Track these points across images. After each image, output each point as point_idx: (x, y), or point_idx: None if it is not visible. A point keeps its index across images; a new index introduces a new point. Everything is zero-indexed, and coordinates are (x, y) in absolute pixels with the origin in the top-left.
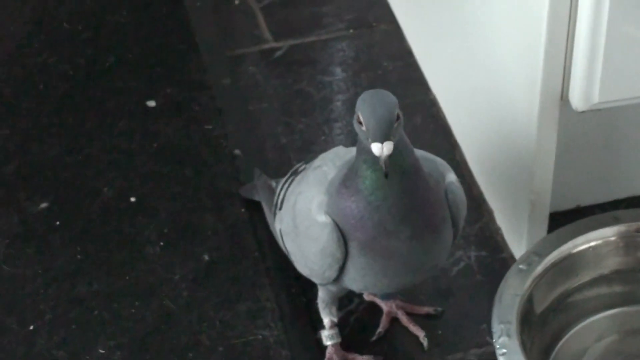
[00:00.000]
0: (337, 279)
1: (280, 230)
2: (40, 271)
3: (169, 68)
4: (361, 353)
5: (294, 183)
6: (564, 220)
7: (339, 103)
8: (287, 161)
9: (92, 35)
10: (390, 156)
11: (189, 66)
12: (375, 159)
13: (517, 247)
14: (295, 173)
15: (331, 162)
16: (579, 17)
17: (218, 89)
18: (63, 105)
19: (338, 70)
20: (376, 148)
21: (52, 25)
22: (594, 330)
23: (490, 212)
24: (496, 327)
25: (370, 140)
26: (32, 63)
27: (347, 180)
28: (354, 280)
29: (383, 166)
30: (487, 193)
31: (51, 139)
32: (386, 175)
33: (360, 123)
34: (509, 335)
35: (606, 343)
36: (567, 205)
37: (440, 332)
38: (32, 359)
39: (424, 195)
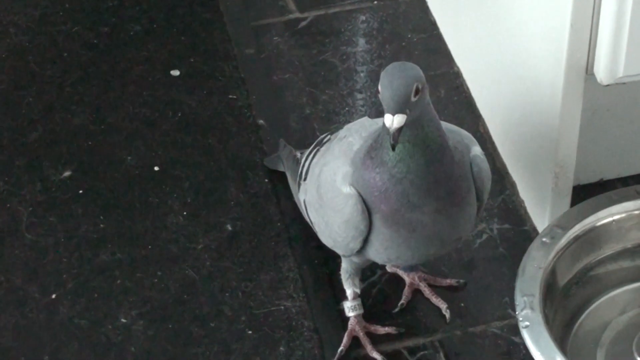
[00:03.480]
0: (361, 250)
1: (304, 201)
2: (62, 239)
3: (194, 37)
4: (383, 324)
5: (319, 154)
6: (587, 193)
7: (362, 74)
8: (312, 132)
9: (117, 4)
10: (407, 128)
11: (213, 36)
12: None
13: (540, 220)
14: (320, 144)
15: (357, 133)
16: None
17: (242, 58)
18: (87, 74)
19: (362, 42)
20: (387, 119)
21: None
22: (616, 303)
23: (513, 185)
24: (519, 299)
25: (385, 111)
26: (56, 31)
27: (372, 151)
28: (377, 252)
29: (390, 138)
30: (510, 166)
31: (75, 107)
32: (393, 148)
33: (383, 98)
34: (532, 308)
35: (629, 316)
36: (590, 178)
37: (462, 304)
38: (54, 328)
39: (448, 168)
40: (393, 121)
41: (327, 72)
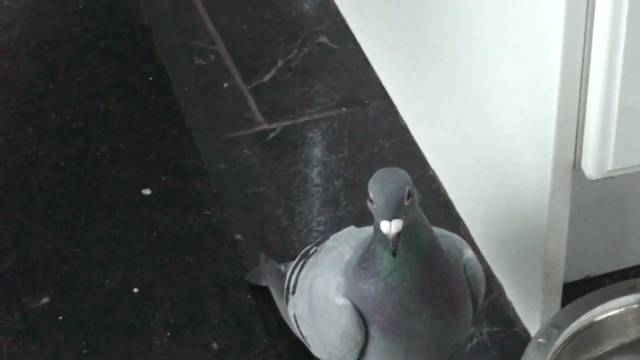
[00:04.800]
0: None
1: (294, 315)
2: None
3: (162, 155)
4: None
5: (307, 266)
6: (574, 291)
7: (337, 182)
8: (291, 244)
9: (82, 125)
10: (402, 234)
11: (182, 152)
12: (385, 237)
13: (531, 320)
14: (306, 256)
15: (345, 243)
16: (591, 86)
17: (214, 173)
18: (56, 197)
19: (334, 150)
20: (384, 226)
21: (39, 117)
22: None
23: (499, 287)
24: None
25: (380, 218)
26: (22, 156)
27: (364, 261)
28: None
29: (391, 244)
30: (495, 267)
31: (47, 232)
32: (394, 254)
33: (371, 201)
34: None
35: None
36: (577, 276)
37: None
38: None
39: (443, 273)
40: (391, 227)
41: (301, 182)
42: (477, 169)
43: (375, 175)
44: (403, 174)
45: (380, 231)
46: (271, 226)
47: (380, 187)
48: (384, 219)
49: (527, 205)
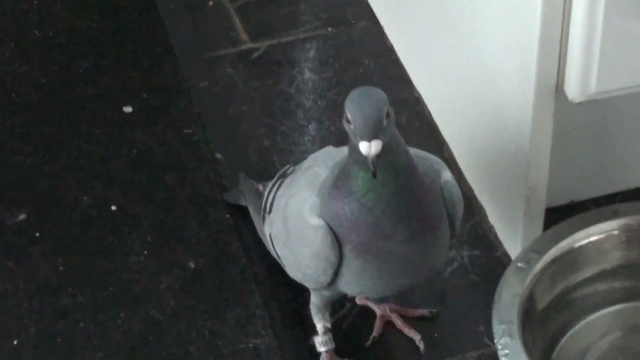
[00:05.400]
0: (332, 283)
1: (270, 235)
2: (21, 284)
3: (145, 72)
4: (356, 359)
5: (284, 185)
6: (558, 216)
7: (320, 103)
8: (271, 164)
9: (64, 42)
10: (380, 155)
11: (164, 70)
12: (364, 158)
13: (512, 244)
14: (284, 175)
15: (322, 163)
16: (574, 4)
17: (196, 92)
18: (37, 114)
19: (318, 70)
20: (364, 147)
21: (21, 33)
22: (597, 327)
23: (482, 210)
24: (497, 327)
25: (358, 138)
26: (3, 72)
27: (340, 181)
28: (348, 284)
29: (371, 165)
30: (477, 190)
31: (27, 148)
32: (374, 175)
33: (348, 122)
34: (510, 336)
35: (610, 340)
36: (561, 200)
37: (436, 334)
38: None
39: (419, 195)
40: (371, 147)
41: (284, 102)
42: (461, 92)
43: (351, 94)
44: (381, 93)
45: (357, 152)
46: (253, 145)
47: (358, 107)
48: (362, 139)
49: (510, 127)
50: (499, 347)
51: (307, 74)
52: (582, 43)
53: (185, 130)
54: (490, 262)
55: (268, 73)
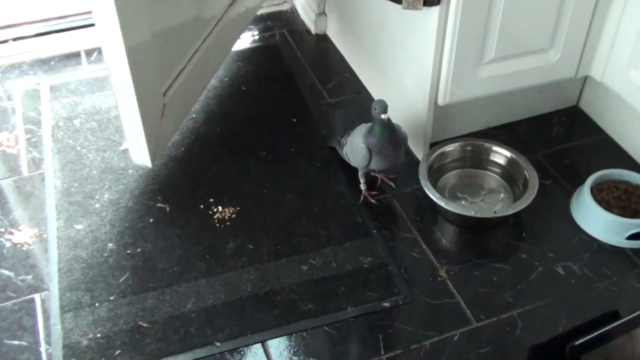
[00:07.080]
0: (367, 165)
1: (345, 153)
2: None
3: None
4: (375, 192)
5: (348, 137)
6: (435, 144)
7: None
8: (343, 129)
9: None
10: (387, 120)
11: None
12: (382, 121)
13: (419, 154)
14: (348, 134)
15: (362, 127)
16: (444, 59)
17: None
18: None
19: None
20: (383, 116)
21: (234, 90)
22: (450, 178)
23: (406, 142)
24: (421, 176)
25: (379, 113)
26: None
27: (369, 131)
28: (374, 163)
29: (386, 122)
30: (409, 133)
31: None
32: (388, 126)
33: (375, 109)
34: (424, 178)
35: (455, 182)
36: (438, 139)
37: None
38: None
39: (398, 135)
40: (386, 116)
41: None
42: (393, 95)
43: (375, 101)
44: (383, 100)
45: (378, 119)
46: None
47: (378, 103)
48: (382, 113)
49: (420, 112)
50: (422, 183)
51: None
52: (444, 82)
53: (312, 127)
54: (413, 162)
55: None
